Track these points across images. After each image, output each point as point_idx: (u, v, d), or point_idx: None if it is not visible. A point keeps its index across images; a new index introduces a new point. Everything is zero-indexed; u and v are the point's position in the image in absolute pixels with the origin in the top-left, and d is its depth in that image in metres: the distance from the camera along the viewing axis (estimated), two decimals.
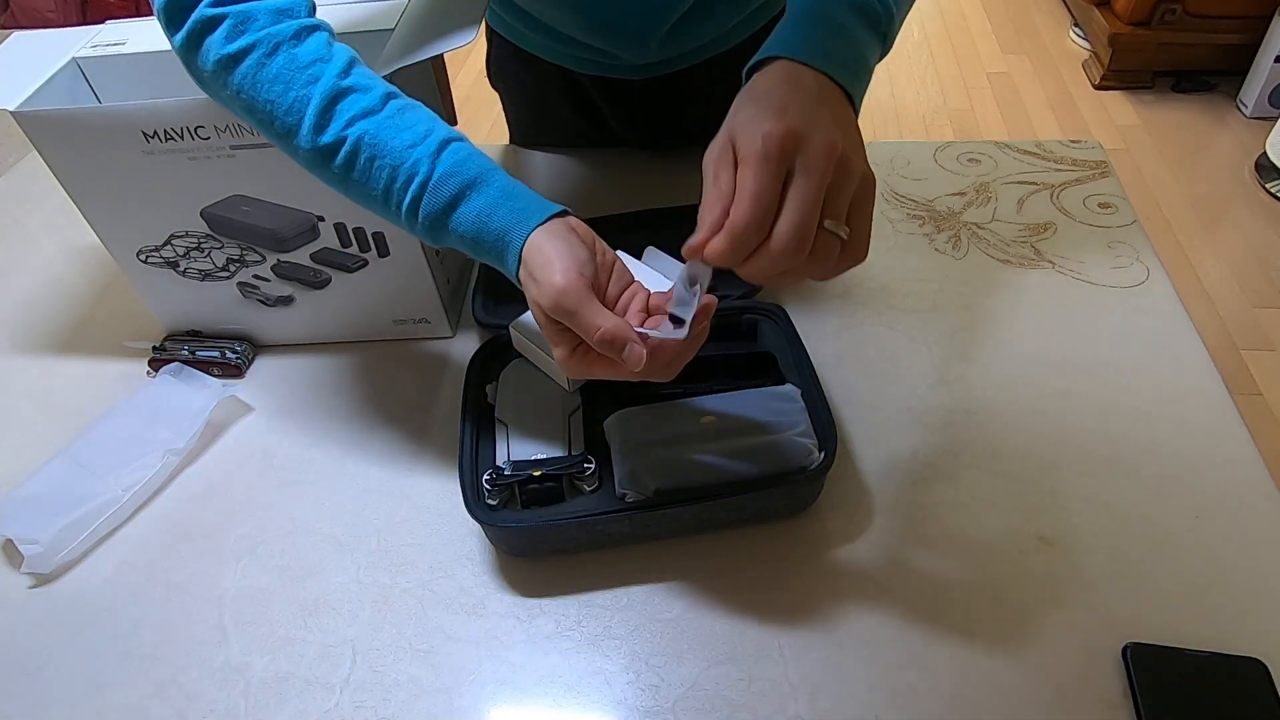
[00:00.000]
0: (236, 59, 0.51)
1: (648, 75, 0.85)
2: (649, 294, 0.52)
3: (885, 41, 0.51)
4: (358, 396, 0.71)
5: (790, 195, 0.41)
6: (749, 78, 0.47)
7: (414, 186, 0.50)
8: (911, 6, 0.54)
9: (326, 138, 0.51)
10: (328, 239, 0.67)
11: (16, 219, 0.94)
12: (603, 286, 0.50)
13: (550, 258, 0.47)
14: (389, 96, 0.52)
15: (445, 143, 0.51)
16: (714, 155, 0.44)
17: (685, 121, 0.91)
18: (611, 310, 0.49)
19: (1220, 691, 0.49)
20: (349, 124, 0.51)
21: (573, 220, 0.51)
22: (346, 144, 0.51)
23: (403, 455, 0.66)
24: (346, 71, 0.52)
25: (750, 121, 0.42)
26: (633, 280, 0.52)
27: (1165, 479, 0.60)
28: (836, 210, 0.42)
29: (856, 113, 0.47)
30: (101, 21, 0.73)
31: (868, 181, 0.44)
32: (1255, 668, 0.50)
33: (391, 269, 0.69)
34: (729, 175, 0.43)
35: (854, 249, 0.44)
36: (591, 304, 0.46)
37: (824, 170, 0.41)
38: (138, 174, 0.63)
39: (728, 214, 0.42)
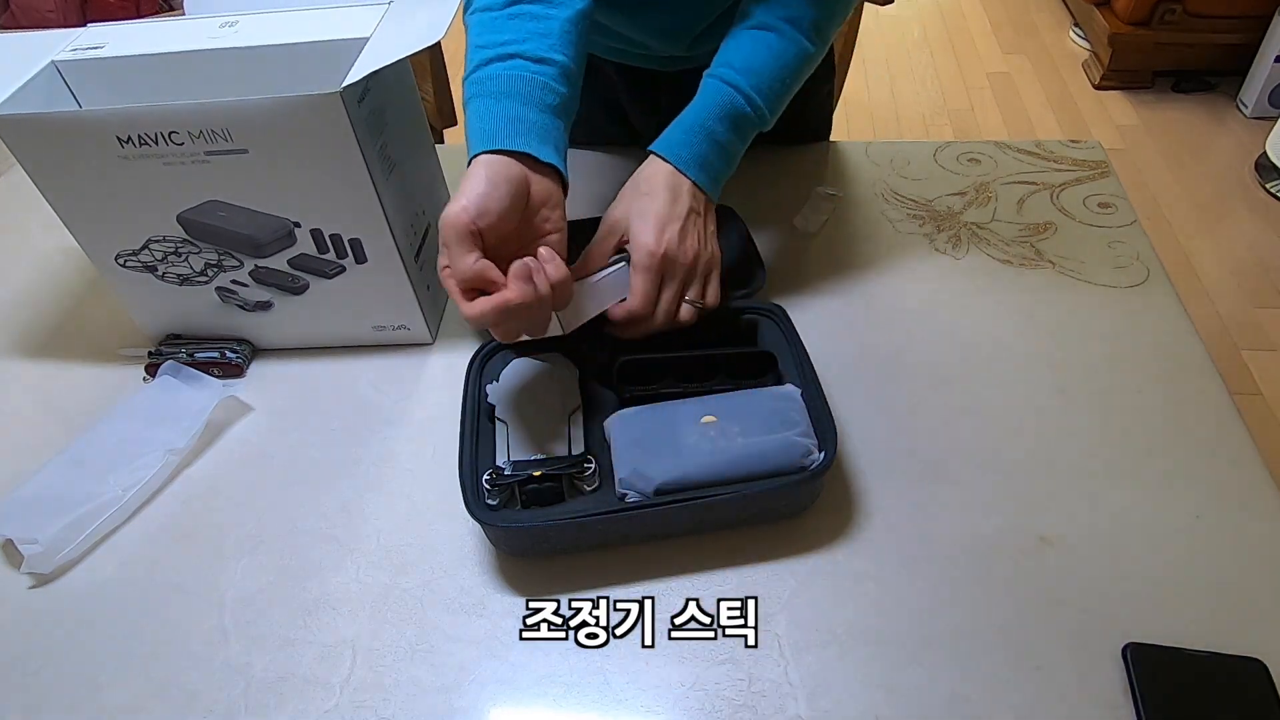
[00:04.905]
0: None
1: (674, 68, 0.86)
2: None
3: (764, 129, 0.67)
4: (358, 396, 0.71)
5: (664, 295, 0.61)
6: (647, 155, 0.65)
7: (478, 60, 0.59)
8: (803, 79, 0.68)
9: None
10: (304, 245, 0.67)
11: (17, 219, 0.94)
12: (516, 238, 0.57)
13: (465, 188, 0.54)
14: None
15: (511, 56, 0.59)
16: (610, 221, 0.63)
17: None
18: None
19: (1220, 691, 0.49)
20: None
21: (533, 176, 0.56)
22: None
23: (403, 455, 0.66)
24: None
25: (640, 232, 0.61)
26: (559, 257, 0.56)
27: (1165, 479, 0.60)
28: (695, 292, 0.63)
29: (715, 199, 0.66)
30: (102, 22, 0.73)
31: (713, 259, 0.64)
32: (1255, 668, 0.49)
33: (369, 275, 0.69)
34: (608, 250, 0.63)
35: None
36: (459, 245, 0.53)
37: (684, 279, 0.62)
38: (113, 178, 0.63)
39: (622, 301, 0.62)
